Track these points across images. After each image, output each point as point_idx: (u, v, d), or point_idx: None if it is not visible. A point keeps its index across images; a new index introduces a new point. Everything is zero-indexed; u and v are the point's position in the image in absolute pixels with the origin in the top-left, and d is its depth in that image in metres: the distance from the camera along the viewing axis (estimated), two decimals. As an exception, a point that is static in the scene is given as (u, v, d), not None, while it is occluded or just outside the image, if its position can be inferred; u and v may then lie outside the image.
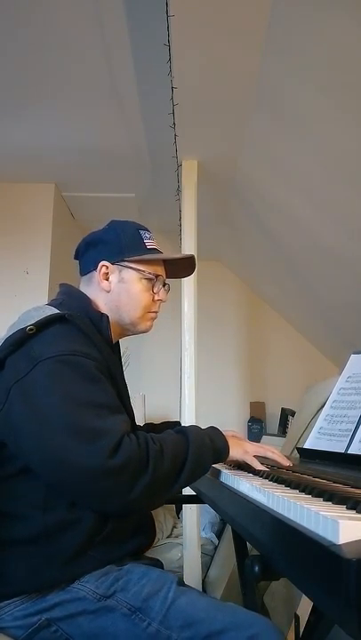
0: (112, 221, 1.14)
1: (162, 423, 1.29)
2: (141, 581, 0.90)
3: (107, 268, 1.08)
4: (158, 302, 1.12)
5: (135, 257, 1.08)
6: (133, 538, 1.00)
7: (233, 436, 1.06)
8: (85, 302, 1.06)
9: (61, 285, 1.12)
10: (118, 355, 1.15)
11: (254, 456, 1.05)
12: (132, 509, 0.91)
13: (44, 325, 0.91)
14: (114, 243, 1.09)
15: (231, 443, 1.01)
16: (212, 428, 1.03)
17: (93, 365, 0.91)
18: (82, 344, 0.93)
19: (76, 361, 0.89)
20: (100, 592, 0.88)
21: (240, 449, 1.03)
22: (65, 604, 0.88)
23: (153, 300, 1.11)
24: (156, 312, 1.13)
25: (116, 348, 1.12)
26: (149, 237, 1.12)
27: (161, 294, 1.12)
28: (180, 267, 1.19)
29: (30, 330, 0.90)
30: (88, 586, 0.89)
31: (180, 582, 0.93)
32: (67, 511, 0.89)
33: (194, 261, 1.19)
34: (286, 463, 1.06)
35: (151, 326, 1.13)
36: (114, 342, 1.11)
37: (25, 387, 0.87)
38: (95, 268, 1.08)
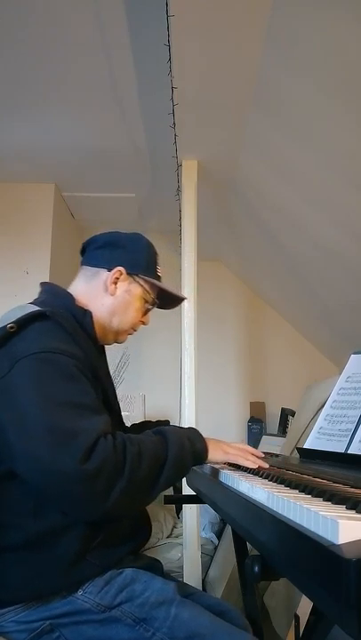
0: (139, 234, 1.17)
1: (156, 422, 1.29)
2: (146, 592, 0.90)
3: (121, 273, 1.10)
4: (141, 324, 1.18)
5: (148, 277, 1.13)
6: (130, 539, 0.99)
7: (211, 439, 1.04)
8: (68, 299, 1.06)
9: (43, 284, 1.12)
10: (103, 354, 1.16)
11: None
12: (111, 515, 0.88)
13: (24, 323, 0.91)
14: (137, 255, 1.13)
15: (210, 445, 1.00)
16: (191, 429, 1.02)
17: (73, 364, 0.90)
18: (63, 341, 0.92)
19: (56, 359, 0.88)
20: (104, 603, 0.88)
21: (219, 450, 1.02)
22: (69, 615, 0.88)
23: (140, 320, 1.16)
24: (135, 331, 1.18)
25: (101, 348, 1.13)
26: (159, 264, 1.18)
27: (147, 319, 1.19)
28: (169, 301, 1.23)
29: (11, 328, 0.89)
30: (92, 597, 0.88)
31: (181, 592, 0.93)
32: (59, 517, 0.88)
33: (182, 301, 1.27)
34: (265, 465, 1.05)
35: (125, 340, 1.18)
36: (99, 343, 1.10)
37: (5, 386, 0.86)
38: (108, 268, 1.10)
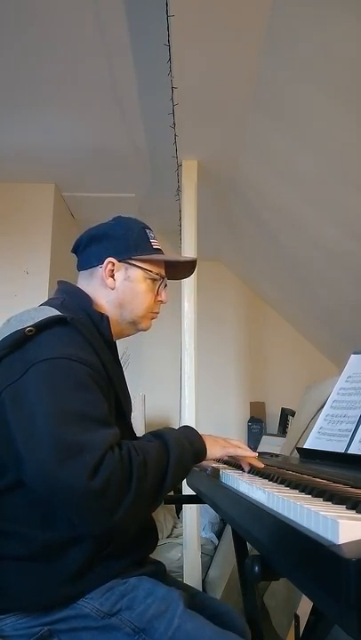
0: (118, 217, 1.12)
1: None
2: (147, 600, 0.88)
3: (113, 264, 1.05)
4: (159, 303, 1.12)
5: (142, 256, 1.07)
6: (137, 547, 0.98)
7: (207, 435, 1.03)
8: (87, 302, 1.03)
9: (60, 283, 1.09)
10: (116, 356, 1.12)
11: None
12: (118, 528, 0.85)
13: (43, 327, 0.88)
14: (121, 239, 1.07)
15: (208, 442, 1.00)
16: (188, 428, 1.01)
17: (87, 372, 0.87)
18: (80, 348, 0.90)
19: (70, 366, 0.86)
20: (104, 609, 0.86)
21: (217, 446, 1.02)
22: (68, 620, 0.86)
23: (155, 300, 1.10)
24: (157, 313, 1.13)
25: (114, 350, 1.10)
26: (154, 237, 1.11)
27: (163, 295, 1.12)
28: (181, 269, 1.18)
29: (29, 331, 0.87)
30: (92, 602, 0.87)
31: (186, 601, 0.90)
32: (68, 529, 0.86)
33: (195, 264, 1.19)
34: (260, 465, 1.06)
35: (150, 325, 1.13)
36: (114, 343, 1.08)
37: (16, 391, 0.84)
38: (99, 264, 1.06)
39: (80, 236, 1.11)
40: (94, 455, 0.78)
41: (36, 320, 0.90)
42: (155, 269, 1.09)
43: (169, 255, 1.13)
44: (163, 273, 1.11)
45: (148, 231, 1.11)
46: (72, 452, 0.77)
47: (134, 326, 1.10)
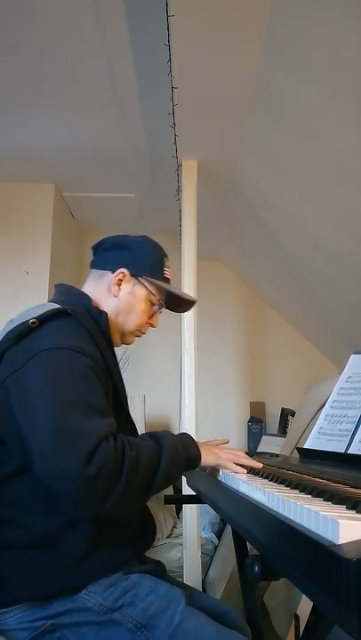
0: (146, 236, 1.18)
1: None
2: (149, 597, 0.89)
3: (124, 275, 1.11)
4: (149, 326, 1.18)
5: (152, 279, 1.13)
6: (137, 538, 0.99)
7: (202, 443, 1.06)
8: (85, 300, 1.07)
9: (58, 286, 1.13)
10: (113, 350, 1.14)
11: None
12: (106, 517, 0.87)
13: (46, 319, 0.92)
14: (141, 257, 1.13)
15: (203, 450, 1.02)
16: (185, 435, 1.03)
17: (87, 363, 0.90)
18: (81, 339, 0.93)
19: (71, 356, 0.89)
20: (107, 604, 0.88)
21: (212, 455, 1.04)
22: (71, 613, 0.88)
23: (146, 322, 1.16)
24: (144, 333, 1.18)
25: (111, 345, 1.12)
26: (168, 266, 1.18)
27: (154, 320, 1.18)
28: (180, 304, 1.23)
29: (33, 323, 0.91)
30: (95, 597, 0.88)
31: (187, 599, 0.91)
32: (68, 516, 0.88)
33: (194, 304, 1.26)
34: (259, 466, 1.07)
35: (133, 342, 1.18)
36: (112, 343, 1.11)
37: (18, 379, 0.87)
38: (112, 270, 1.11)
39: (106, 237, 1.17)
40: (90, 441, 0.80)
41: (39, 314, 0.93)
42: (158, 295, 1.15)
43: (175, 288, 1.19)
44: (162, 301, 1.17)
45: (165, 260, 1.17)
46: (69, 438, 0.80)
47: (120, 338, 1.15)
